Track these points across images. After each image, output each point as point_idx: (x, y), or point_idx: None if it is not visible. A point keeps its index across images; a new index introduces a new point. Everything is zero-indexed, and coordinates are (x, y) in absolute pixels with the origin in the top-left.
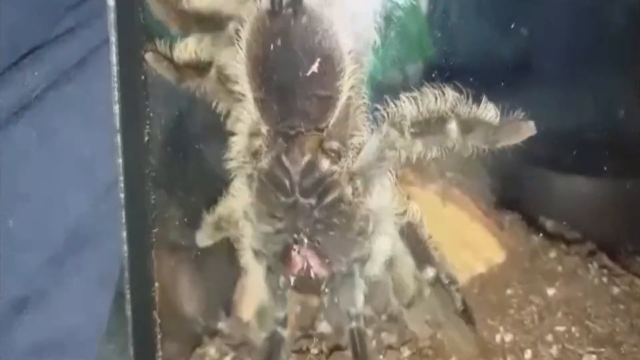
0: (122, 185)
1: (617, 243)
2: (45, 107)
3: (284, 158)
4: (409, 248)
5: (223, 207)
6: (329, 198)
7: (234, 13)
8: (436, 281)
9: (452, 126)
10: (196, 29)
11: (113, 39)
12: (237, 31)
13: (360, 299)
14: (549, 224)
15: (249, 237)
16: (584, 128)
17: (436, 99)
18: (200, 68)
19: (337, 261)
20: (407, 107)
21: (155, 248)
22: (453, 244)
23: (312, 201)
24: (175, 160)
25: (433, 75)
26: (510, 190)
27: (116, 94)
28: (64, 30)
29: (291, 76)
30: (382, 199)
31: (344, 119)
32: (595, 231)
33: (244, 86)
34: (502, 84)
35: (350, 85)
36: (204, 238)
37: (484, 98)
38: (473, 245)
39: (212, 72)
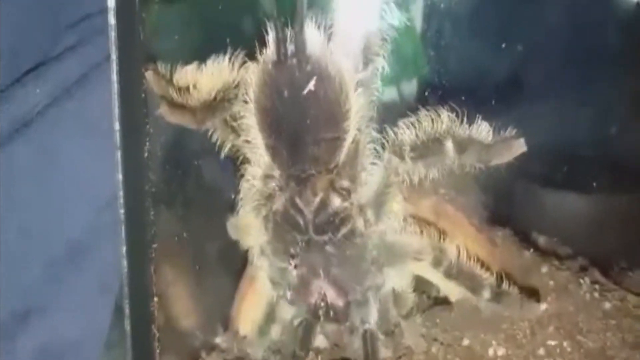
0: (121, 200)
1: (609, 258)
2: (47, 123)
3: (297, 199)
4: (459, 284)
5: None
6: (342, 232)
7: (239, 80)
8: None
9: (449, 147)
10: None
11: (114, 56)
12: (244, 83)
13: (374, 313)
14: (541, 240)
15: (265, 269)
16: (575, 145)
17: (432, 121)
18: (198, 100)
19: (353, 290)
20: (405, 133)
21: (154, 263)
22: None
23: (326, 237)
24: (175, 177)
25: (427, 93)
26: (503, 207)
27: (116, 111)
28: (65, 48)
29: (299, 123)
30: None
31: (353, 155)
32: (587, 247)
33: (254, 133)
34: (495, 101)
35: (357, 123)
36: (235, 232)
37: (478, 117)
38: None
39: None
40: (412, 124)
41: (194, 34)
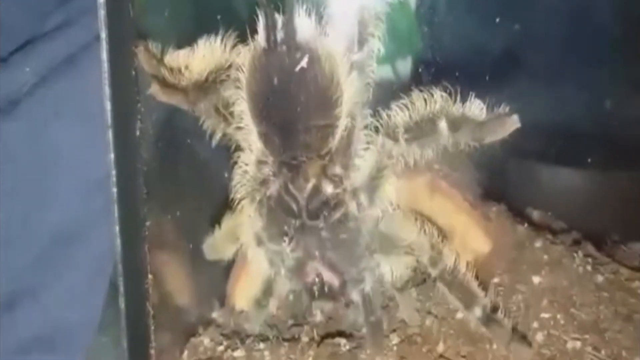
0: (114, 179)
1: (602, 232)
2: (35, 103)
3: (289, 185)
4: (451, 292)
5: (230, 222)
6: (335, 217)
7: (231, 62)
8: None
9: (442, 126)
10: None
11: (103, 35)
12: (237, 68)
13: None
14: (535, 215)
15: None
16: (569, 120)
17: (425, 102)
18: (189, 80)
19: (348, 271)
20: (399, 115)
21: (148, 241)
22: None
23: (320, 223)
24: (167, 155)
25: (420, 70)
26: (497, 182)
27: (107, 90)
28: (54, 26)
29: (289, 110)
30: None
31: (346, 141)
32: (581, 221)
33: (246, 120)
34: (490, 77)
35: (350, 109)
36: (212, 252)
37: (471, 94)
38: (460, 236)
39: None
40: (405, 106)
41: (185, 12)
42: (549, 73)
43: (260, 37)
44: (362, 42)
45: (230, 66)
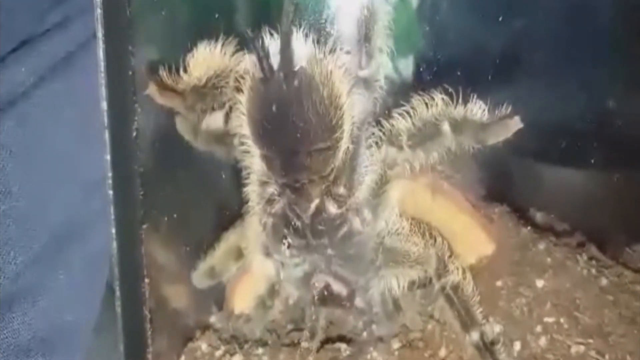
0: (110, 181)
1: (606, 234)
2: (32, 103)
3: (293, 206)
4: (452, 309)
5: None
6: (339, 235)
7: (230, 69)
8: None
9: (445, 130)
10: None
11: (100, 34)
12: (237, 89)
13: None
14: (539, 216)
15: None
16: (572, 120)
17: (427, 106)
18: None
19: (355, 281)
20: (401, 122)
21: (144, 243)
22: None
23: (325, 240)
24: (164, 156)
25: (421, 69)
26: (500, 183)
27: (104, 90)
28: (51, 26)
29: (289, 135)
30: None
31: (350, 160)
32: (585, 223)
33: (249, 144)
34: (491, 76)
35: (351, 129)
36: (206, 277)
37: (473, 95)
38: (462, 237)
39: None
40: (407, 112)
41: (182, 11)
42: (552, 72)
43: (256, 67)
44: (369, 57)
45: (229, 74)
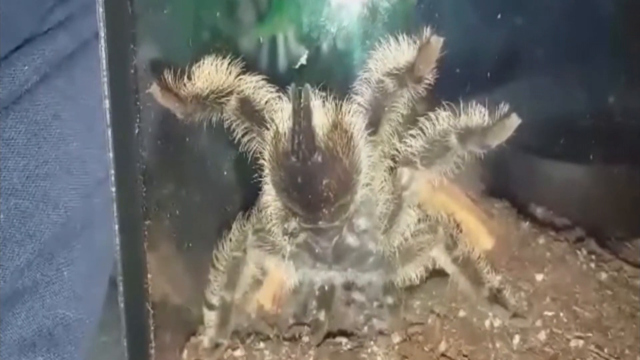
0: (113, 178)
1: (606, 229)
2: (36, 101)
3: (315, 240)
4: (464, 275)
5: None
6: (359, 255)
7: (232, 88)
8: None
9: (453, 142)
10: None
11: (102, 33)
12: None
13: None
14: (539, 211)
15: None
16: (572, 115)
17: (433, 125)
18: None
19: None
20: (412, 145)
21: (147, 240)
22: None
23: (346, 263)
24: (166, 153)
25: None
26: (500, 178)
27: (106, 88)
28: (54, 24)
29: (311, 198)
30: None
31: (368, 200)
32: (584, 217)
33: (271, 188)
34: (492, 73)
35: (368, 173)
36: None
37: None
38: (462, 233)
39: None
40: (417, 134)
41: (184, 10)
42: (552, 67)
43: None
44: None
45: (231, 92)
